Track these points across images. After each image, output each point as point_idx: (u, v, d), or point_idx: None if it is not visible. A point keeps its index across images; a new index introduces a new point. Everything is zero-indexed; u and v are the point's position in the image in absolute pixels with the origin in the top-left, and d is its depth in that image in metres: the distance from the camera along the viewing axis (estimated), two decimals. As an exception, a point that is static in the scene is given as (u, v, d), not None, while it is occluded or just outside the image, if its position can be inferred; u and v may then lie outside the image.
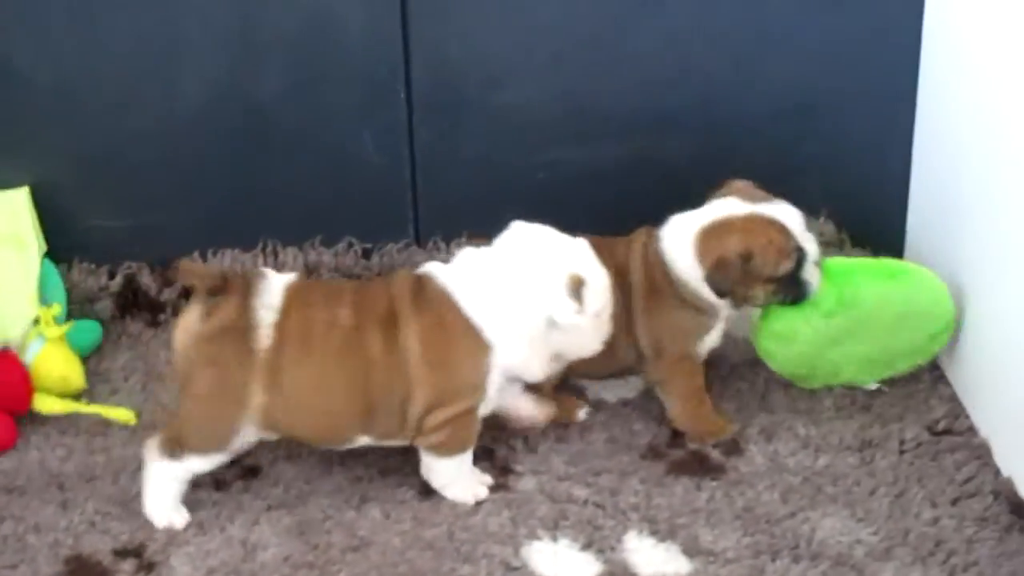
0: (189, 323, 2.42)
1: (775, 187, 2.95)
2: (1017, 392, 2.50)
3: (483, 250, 2.50)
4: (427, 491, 2.52)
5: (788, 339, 2.66)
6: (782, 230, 2.58)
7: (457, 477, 2.51)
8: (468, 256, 2.50)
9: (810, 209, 2.94)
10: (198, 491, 2.53)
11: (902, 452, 2.60)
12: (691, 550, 2.39)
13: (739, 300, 2.62)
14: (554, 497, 2.50)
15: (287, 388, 2.40)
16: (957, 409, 2.70)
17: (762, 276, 2.58)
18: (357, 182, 3.03)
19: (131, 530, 2.44)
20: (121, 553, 2.40)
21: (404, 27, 2.91)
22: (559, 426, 2.67)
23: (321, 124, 2.98)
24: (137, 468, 2.58)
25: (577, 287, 2.42)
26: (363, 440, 2.48)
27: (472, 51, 2.94)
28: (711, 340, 2.69)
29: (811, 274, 2.61)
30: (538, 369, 2.50)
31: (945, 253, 2.83)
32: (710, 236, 2.60)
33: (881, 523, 2.44)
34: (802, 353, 2.68)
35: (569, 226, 3.03)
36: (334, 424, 2.46)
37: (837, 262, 2.70)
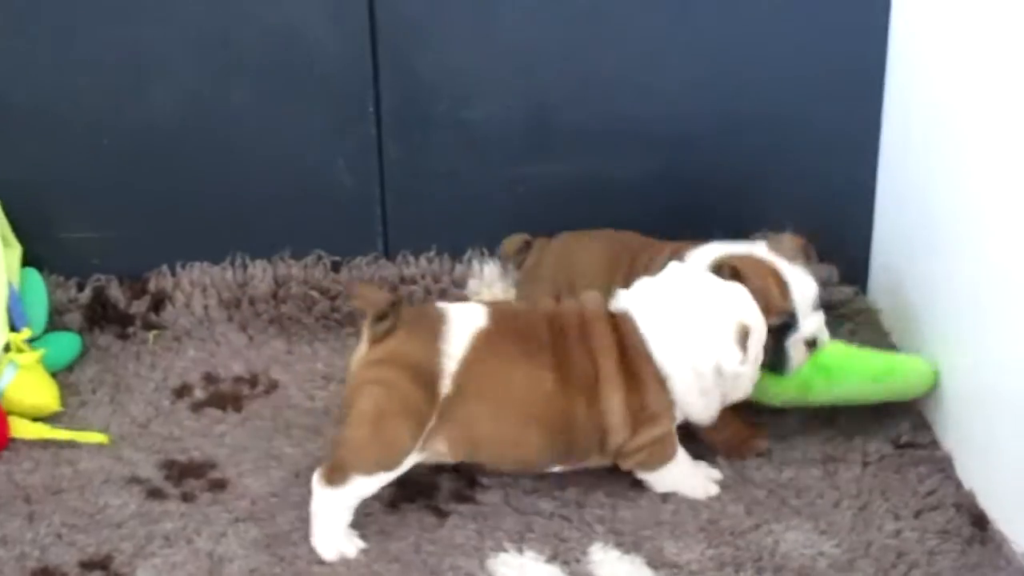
0: (359, 351, 2.43)
1: (741, 201, 3.00)
2: (979, 406, 2.52)
3: (659, 291, 2.50)
4: (394, 504, 2.53)
5: (768, 399, 2.69)
6: (783, 290, 2.61)
7: (681, 479, 2.54)
8: (651, 299, 2.49)
9: (776, 222, 2.97)
10: (166, 503, 2.54)
11: (865, 465, 2.62)
12: (655, 562, 2.40)
13: None
14: (520, 510, 2.51)
15: (475, 433, 2.41)
16: (920, 422, 2.72)
17: None
18: (326, 196, 3.04)
19: (97, 542, 2.44)
20: (87, 565, 2.39)
21: (374, 43, 2.93)
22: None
23: (291, 138, 3.00)
24: (104, 480, 2.59)
25: (745, 336, 2.44)
26: (555, 469, 2.52)
27: (441, 67, 2.95)
28: None
29: (796, 350, 2.62)
30: (707, 415, 2.53)
31: (909, 268, 2.85)
32: (728, 259, 2.62)
33: (844, 535, 2.46)
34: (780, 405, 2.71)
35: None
36: (525, 462, 2.49)
37: (835, 354, 2.69)
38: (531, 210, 3.04)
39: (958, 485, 2.56)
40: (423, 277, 3.06)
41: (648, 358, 2.45)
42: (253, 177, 3.03)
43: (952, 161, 2.63)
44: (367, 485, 2.41)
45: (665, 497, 2.54)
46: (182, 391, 2.86)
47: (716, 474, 2.58)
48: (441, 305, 2.48)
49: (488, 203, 3.05)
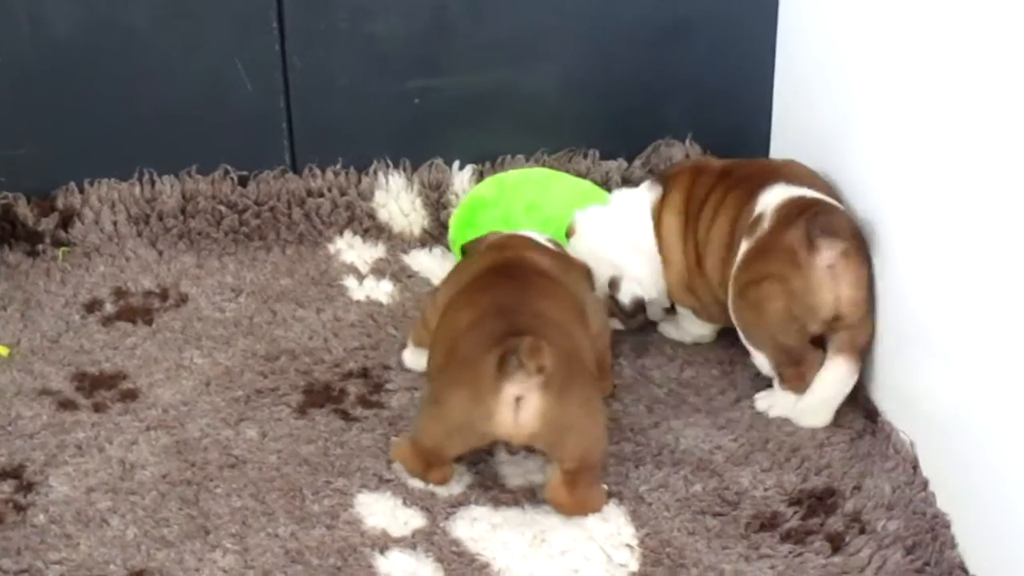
0: None
1: (639, 112, 3.03)
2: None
3: None
4: (302, 410, 2.58)
5: None
6: None
7: None
8: None
9: (675, 131, 3.02)
10: (77, 413, 2.57)
11: (764, 365, 2.69)
12: (558, 459, 2.46)
13: None
14: (427, 413, 2.56)
15: None
16: (816, 322, 2.79)
17: None
18: (232, 111, 3.05)
19: (9, 452, 2.47)
20: (0, 475, 2.43)
21: (275, -43, 2.94)
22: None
23: (194, 54, 2.99)
24: (16, 393, 2.61)
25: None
26: None
27: (343, -20, 2.97)
28: None
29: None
30: None
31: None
32: None
33: (742, 432, 2.53)
34: None
35: (444, 154, 3.11)
36: None
37: None
38: (436, 122, 3.08)
39: (853, 382, 2.64)
40: (330, 190, 3.09)
41: None
42: (156, 91, 3.02)
43: (848, 73, 2.67)
44: None
45: (568, 398, 2.59)
46: (92, 306, 2.88)
47: None
48: None
49: (392, 116, 3.07)
